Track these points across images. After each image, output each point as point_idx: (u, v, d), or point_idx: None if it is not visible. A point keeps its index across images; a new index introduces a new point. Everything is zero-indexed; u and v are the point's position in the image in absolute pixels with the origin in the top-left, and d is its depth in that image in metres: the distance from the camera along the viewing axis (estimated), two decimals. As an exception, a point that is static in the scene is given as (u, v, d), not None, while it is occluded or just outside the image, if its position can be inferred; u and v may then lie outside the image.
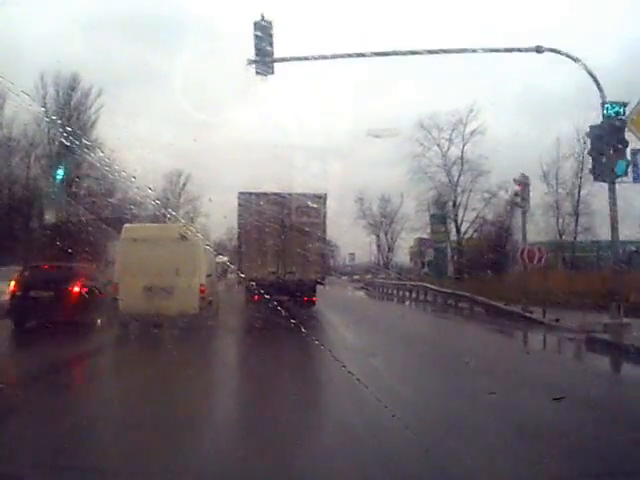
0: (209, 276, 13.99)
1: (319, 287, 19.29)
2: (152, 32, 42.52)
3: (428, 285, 28.90)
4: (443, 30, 54.84)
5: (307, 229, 18.41)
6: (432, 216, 42.14)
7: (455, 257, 41.90)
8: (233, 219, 19.31)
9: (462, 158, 41.17)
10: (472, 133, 40.30)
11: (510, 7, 55.08)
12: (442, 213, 42.00)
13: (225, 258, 28.52)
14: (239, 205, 18.56)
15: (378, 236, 49.77)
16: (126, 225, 14.14)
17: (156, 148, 36.35)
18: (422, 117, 40.36)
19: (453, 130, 41.08)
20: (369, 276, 44.35)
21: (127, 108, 41.80)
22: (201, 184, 40.40)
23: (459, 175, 41.52)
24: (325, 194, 19.24)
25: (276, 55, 16.50)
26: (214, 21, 59.57)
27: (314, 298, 18.97)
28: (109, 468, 4.74)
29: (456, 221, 42.08)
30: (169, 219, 13.35)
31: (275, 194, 18.84)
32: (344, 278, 44.42)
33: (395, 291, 34.20)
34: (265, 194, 18.81)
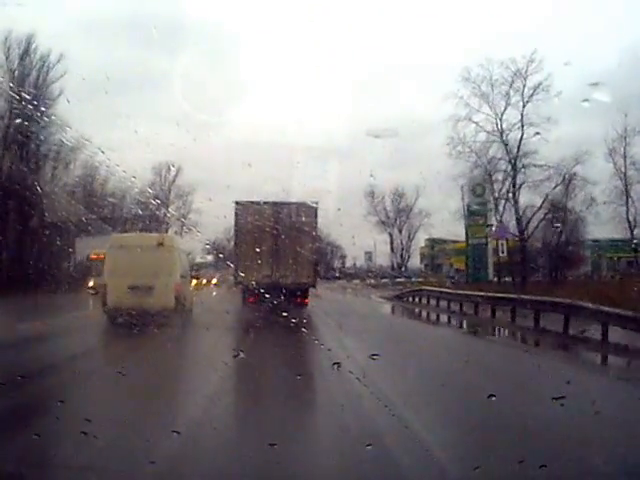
0: (183, 277, 15.78)
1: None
2: (152, 32, 42.57)
3: (583, 304, 14.70)
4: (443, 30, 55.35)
5: (299, 236, 19.94)
6: (469, 206, 34.24)
7: (515, 257, 32.82)
8: (232, 219, 20.59)
9: (522, 122, 32.04)
10: (535, 89, 31.52)
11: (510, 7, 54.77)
12: (482, 201, 33.86)
13: (210, 257, 29.92)
14: (236, 213, 20.12)
15: (391, 235, 44.58)
16: (113, 234, 16.72)
17: (155, 148, 37.97)
18: (469, 65, 32.64)
19: (511, 84, 32.11)
20: (385, 280, 38.08)
21: (126, 107, 42.63)
22: (196, 181, 40.52)
23: (520, 142, 31.86)
24: (317, 202, 20.61)
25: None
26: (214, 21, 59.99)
27: (306, 300, 20.42)
28: (109, 467, 4.77)
29: (516, 206, 32.42)
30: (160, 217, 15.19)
31: (269, 203, 20.40)
32: (355, 282, 39.84)
33: (478, 310, 20.46)
34: (260, 203, 20.41)
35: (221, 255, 27.64)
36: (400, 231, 44.63)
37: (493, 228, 33.08)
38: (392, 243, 44.74)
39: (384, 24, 42.17)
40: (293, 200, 20.95)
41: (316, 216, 20.44)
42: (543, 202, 31.94)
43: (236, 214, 20.16)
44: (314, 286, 20.83)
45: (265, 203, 20.41)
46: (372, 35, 61.35)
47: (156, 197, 34.91)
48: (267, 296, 15.62)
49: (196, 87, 41.71)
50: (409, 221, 44.39)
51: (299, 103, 56.14)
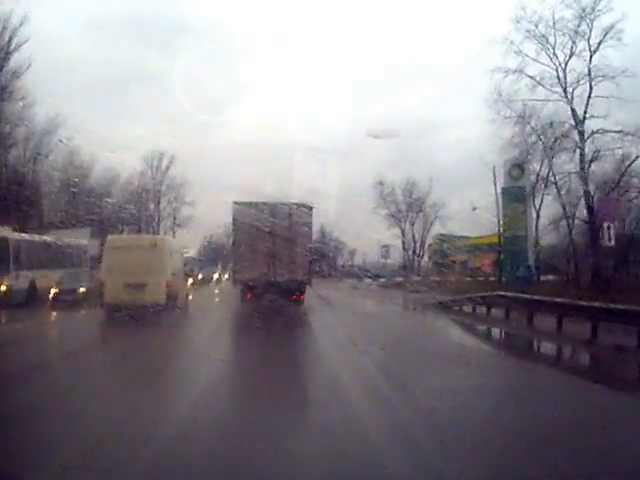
0: (174, 275, 16.81)
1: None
2: (152, 32, 43.35)
3: None
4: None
5: (295, 235, 20.69)
6: (505, 190, 28.78)
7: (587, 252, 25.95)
8: (230, 218, 21.29)
9: (590, 75, 25.01)
10: (605, 34, 24.66)
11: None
12: (521, 185, 27.89)
13: (192, 251, 30.20)
14: (234, 213, 20.91)
15: (403, 229, 41.77)
16: (109, 236, 18.09)
17: (155, 147, 37.90)
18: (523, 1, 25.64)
19: (578, 26, 25.05)
20: (400, 279, 35.15)
21: (126, 107, 42.77)
22: (196, 179, 40.76)
23: (588, 101, 25.02)
24: (311, 202, 21.39)
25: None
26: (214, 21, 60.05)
27: (302, 297, 21.17)
28: (109, 467, 4.82)
29: (586, 186, 25.34)
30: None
31: (266, 203, 21.15)
32: (368, 281, 36.40)
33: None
34: (257, 203, 21.16)
35: (223, 252, 28.23)
36: (413, 225, 42.06)
37: (596, 206, 24.74)
38: (404, 238, 42.35)
39: (385, 23, 42.20)
40: (291, 200, 21.72)
41: (311, 216, 21.20)
42: (621, 176, 25.07)
43: (234, 214, 20.96)
44: (309, 284, 21.55)
45: (262, 203, 21.15)
46: (372, 35, 61.74)
47: (147, 189, 35.92)
48: (264, 292, 16.45)
49: (196, 87, 42.66)
50: (422, 214, 41.50)
51: (299, 103, 56.75)
